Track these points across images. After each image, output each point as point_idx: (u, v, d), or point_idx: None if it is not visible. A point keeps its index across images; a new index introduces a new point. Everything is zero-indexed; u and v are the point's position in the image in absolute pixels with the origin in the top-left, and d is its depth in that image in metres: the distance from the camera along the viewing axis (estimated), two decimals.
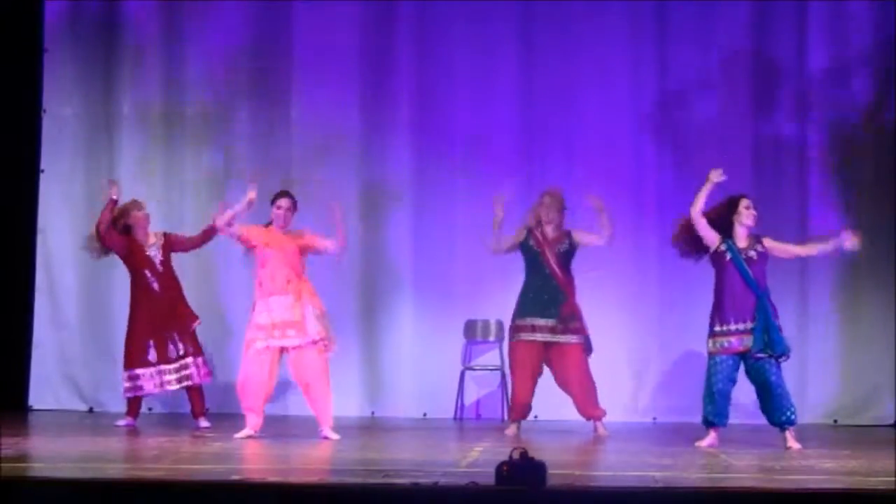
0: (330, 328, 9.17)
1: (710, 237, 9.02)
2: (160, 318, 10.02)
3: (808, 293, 11.30)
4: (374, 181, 11.61)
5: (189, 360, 9.98)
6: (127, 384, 10.06)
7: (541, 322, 9.75)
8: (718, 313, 8.95)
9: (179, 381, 9.99)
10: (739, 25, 11.47)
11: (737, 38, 11.47)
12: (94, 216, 11.34)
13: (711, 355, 8.98)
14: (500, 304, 11.30)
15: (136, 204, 10.19)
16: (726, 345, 8.91)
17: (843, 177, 11.42)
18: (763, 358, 8.81)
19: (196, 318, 10.10)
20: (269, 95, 11.66)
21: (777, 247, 9.06)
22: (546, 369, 9.91)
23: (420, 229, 11.53)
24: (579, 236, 9.84)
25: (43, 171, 11.63)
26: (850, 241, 8.99)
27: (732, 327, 8.89)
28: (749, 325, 8.84)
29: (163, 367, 9.98)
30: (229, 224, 9.17)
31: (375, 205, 11.59)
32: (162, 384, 10.00)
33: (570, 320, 9.74)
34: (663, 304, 11.32)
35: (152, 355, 9.99)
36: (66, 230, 11.52)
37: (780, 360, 8.85)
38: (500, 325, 11.44)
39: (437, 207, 11.53)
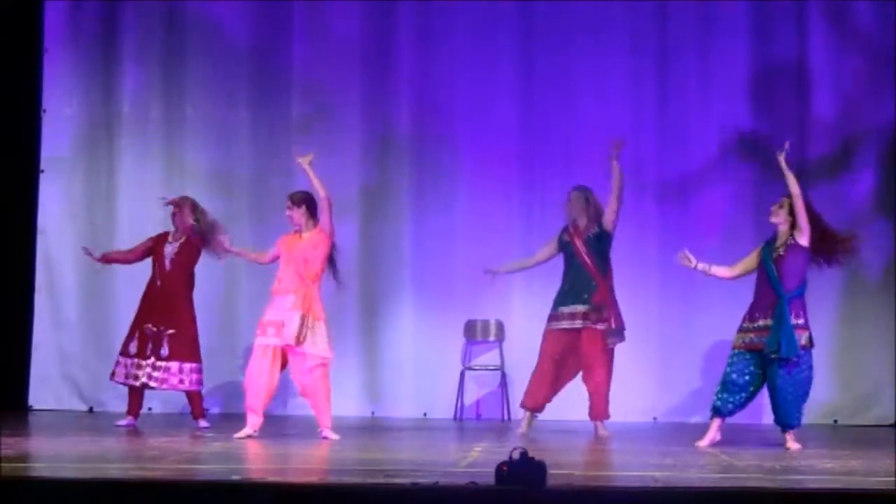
0: (322, 336, 9.10)
1: (753, 261, 9.07)
2: (152, 314, 9.98)
3: (807, 293, 11.29)
4: (374, 182, 11.61)
5: (173, 364, 9.93)
6: (113, 368, 10.09)
7: (572, 309, 9.76)
8: (749, 310, 9.03)
9: (156, 380, 9.90)
10: (739, 33, 11.47)
11: (737, 46, 11.47)
12: (93, 216, 11.37)
13: (732, 349, 9.04)
14: (500, 305, 11.34)
15: (174, 201, 10.15)
16: (747, 340, 8.95)
17: (843, 178, 11.42)
18: (774, 358, 8.81)
19: (188, 326, 10.01)
20: (270, 95, 11.67)
21: (801, 224, 8.91)
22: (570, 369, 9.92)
23: (420, 230, 11.53)
24: (604, 216, 9.84)
25: (43, 171, 11.63)
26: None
27: (755, 324, 8.92)
28: (769, 322, 8.85)
29: (139, 360, 9.94)
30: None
31: (376, 205, 11.59)
32: (136, 377, 9.93)
33: (601, 309, 9.73)
34: (664, 305, 11.31)
35: (133, 346, 9.98)
36: (67, 230, 11.54)
37: (789, 360, 8.82)
38: (499, 325, 11.44)
39: (437, 208, 11.53)
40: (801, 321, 8.88)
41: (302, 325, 8.99)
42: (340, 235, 11.00)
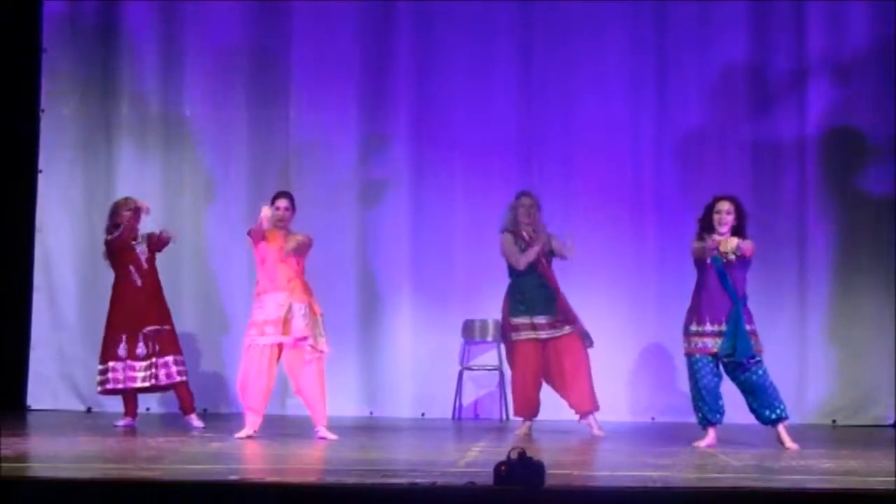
0: (322, 330, 9.10)
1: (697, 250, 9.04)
2: (138, 315, 9.98)
3: (806, 293, 11.31)
4: (372, 183, 11.61)
5: (161, 359, 9.95)
6: (98, 377, 10.06)
7: (541, 320, 9.77)
8: (695, 314, 8.98)
9: (145, 379, 9.92)
10: (738, 31, 11.47)
11: (736, 44, 11.47)
12: (91, 216, 11.35)
13: (690, 355, 9.01)
14: (498, 305, 11.29)
15: (126, 202, 10.17)
16: (700, 345, 8.95)
17: (842, 179, 11.42)
18: (728, 362, 8.83)
19: (166, 321, 10.06)
20: (268, 96, 11.67)
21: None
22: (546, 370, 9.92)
23: (418, 230, 11.54)
24: (555, 244, 9.84)
25: (41, 170, 11.63)
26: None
27: (707, 328, 8.92)
28: (722, 327, 8.86)
29: (130, 362, 9.95)
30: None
31: (373, 206, 11.59)
32: (127, 380, 9.95)
33: (566, 313, 9.77)
34: (661, 304, 11.29)
35: (122, 350, 9.98)
36: (65, 230, 11.54)
37: (751, 361, 8.85)
38: (498, 325, 11.42)
39: (435, 209, 11.54)
40: (754, 327, 8.91)
41: (310, 315, 9.01)
42: (338, 235, 11.07)
